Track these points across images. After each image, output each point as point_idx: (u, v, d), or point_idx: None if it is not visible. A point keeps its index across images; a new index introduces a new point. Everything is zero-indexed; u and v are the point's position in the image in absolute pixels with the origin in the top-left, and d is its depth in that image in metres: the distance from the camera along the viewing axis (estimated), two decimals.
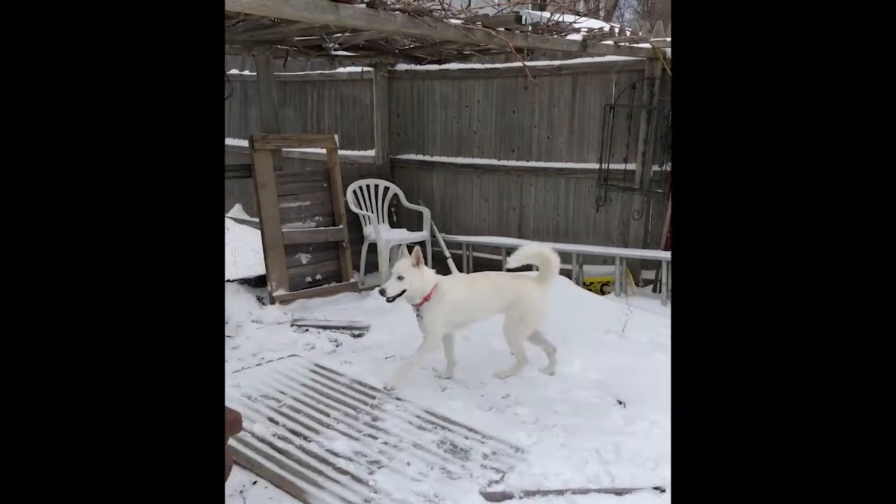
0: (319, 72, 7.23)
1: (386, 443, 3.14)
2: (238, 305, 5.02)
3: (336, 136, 5.91)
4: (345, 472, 2.88)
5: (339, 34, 3.75)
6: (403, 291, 3.69)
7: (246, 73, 7.89)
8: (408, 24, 2.69)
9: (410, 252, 3.70)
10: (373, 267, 5.99)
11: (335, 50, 4.52)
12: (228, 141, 8.27)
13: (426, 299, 3.74)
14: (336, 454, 3.04)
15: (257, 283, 5.49)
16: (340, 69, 6.91)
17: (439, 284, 3.79)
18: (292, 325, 4.80)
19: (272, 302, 5.21)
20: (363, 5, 2.48)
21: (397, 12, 2.62)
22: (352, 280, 5.76)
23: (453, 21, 2.96)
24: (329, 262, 5.76)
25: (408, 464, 2.97)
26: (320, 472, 2.88)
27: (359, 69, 6.63)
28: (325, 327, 4.77)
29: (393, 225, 6.36)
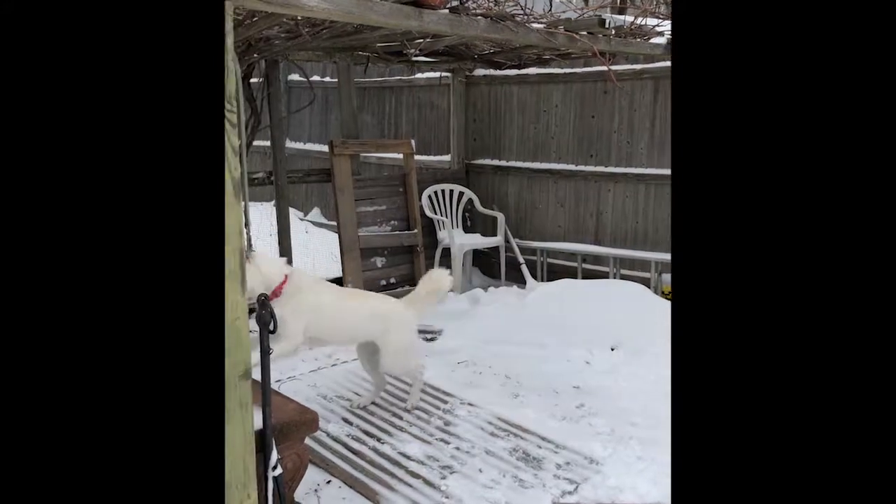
0: (398, 77, 7.31)
1: (458, 448, 3.13)
2: None
3: (413, 142, 5.96)
4: (417, 476, 2.89)
5: (420, 40, 3.79)
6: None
7: (327, 79, 8.06)
8: (490, 29, 2.68)
9: None
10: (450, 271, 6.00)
11: (415, 56, 4.55)
12: (309, 146, 8.48)
13: (275, 294, 3.05)
14: (408, 457, 3.05)
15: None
16: (419, 75, 6.97)
17: (292, 276, 3.15)
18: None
19: None
20: (446, 11, 2.49)
21: (480, 17, 2.62)
22: None
23: (535, 25, 2.94)
24: (403, 265, 5.81)
25: (480, 470, 2.95)
26: (392, 475, 2.90)
27: (437, 74, 6.67)
28: None
29: (467, 230, 6.36)
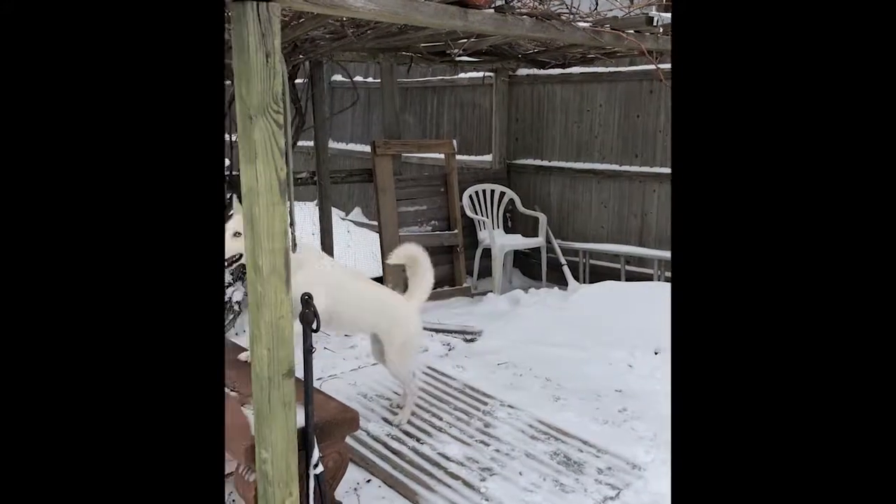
0: (440, 78, 7.31)
1: (498, 450, 3.12)
2: None
3: (454, 142, 5.96)
4: (457, 478, 2.88)
5: (465, 39, 3.77)
6: (240, 256, 2.79)
7: (369, 79, 8.11)
8: (535, 29, 2.65)
9: None
10: (486, 272, 5.98)
11: (458, 56, 4.54)
12: (351, 146, 8.54)
13: None
14: (448, 458, 3.04)
15: None
16: (461, 75, 6.96)
17: (304, 249, 2.95)
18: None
19: None
20: (492, 10, 2.47)
21: (525, 17, 2.59)
22: (465, 284, 5.78)
23: (581, 24, 2.90)
24: (443, 266, 5.80)
25: (520, 473, 2.93)
26: (432, 476, 2.90)
27: (480, 74, 6.66)
28: (437, 330, 4.81)
29: (508, 230, 6.33)
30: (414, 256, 3.36)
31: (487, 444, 3.17)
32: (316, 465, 2.35)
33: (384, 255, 5.38)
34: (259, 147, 1.95)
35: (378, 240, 5.50)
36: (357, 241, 6.54)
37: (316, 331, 2.40)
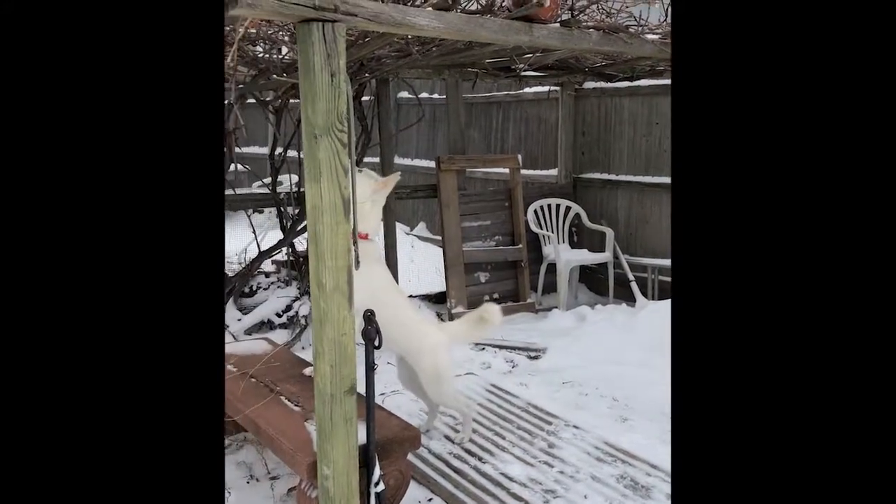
0: (505, 92, 7.30)
1: (562, 472, 3.04)
2: None
3: (519, 156, 5.92)
4: (519, 499, 2.82)
5: (530, 55, 3.75)
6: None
7: (435, 95, 8.17)
8: (602, 42, 2.60)
9: None
10: (551, 287, 5.90)
11: (524, 70, 4.52)
12: (416, 161, 8.61)
13: (362, 237, 2.84)
14: (511, 478, 2.99)
15: (438, 299, 5.61)
16: (526, 89, 6.93)
17: (373, 237, 3.03)
18: (469, 343, 4.83)
19: (451, 318, 5.29)
20: (557, 25, 2.44)
21: (591, 30, 2.55)
22: (528, 300, 5.72)
23: (650, 36, 2.84)
24: (507, 281, 5.76)
25: (585, 496, 2.85)
26: (494, 496, 2.85)
27: (545, 88, 6.61)
28: (501, 347, 4.76)
29: (574, 245, 6.23)
30: (490, 320, 3.27)
31: (551, 466, 3.10)
32: (377, 483, 2.34)
33: (447, 269, 5.38)
34: (324, 166, 1.97)
35: (441, 255, 5.49)
36: (420, 256, 6.57)
37: (378, 347, 2.40)
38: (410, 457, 3.14)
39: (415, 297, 5.65)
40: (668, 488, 2.90)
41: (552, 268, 5.78)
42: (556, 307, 5.62)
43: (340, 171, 2.00)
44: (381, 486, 2.36)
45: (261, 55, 3.39)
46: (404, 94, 8.45)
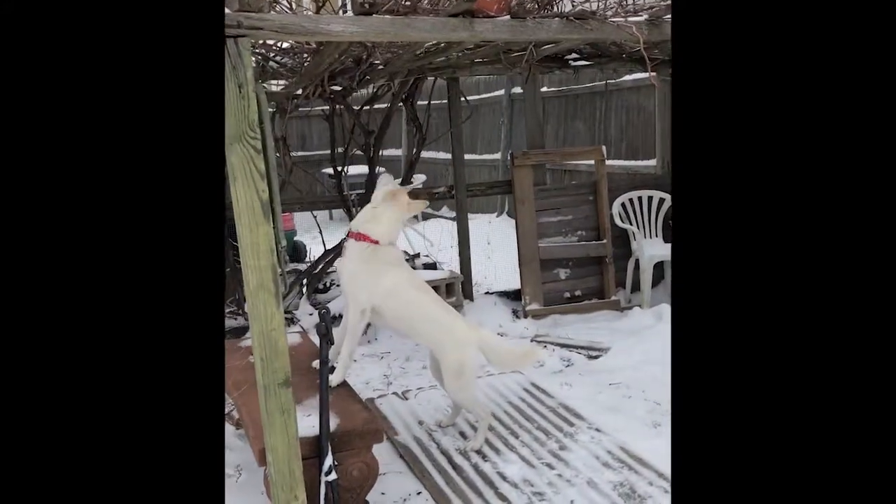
0: (606, 81, 7.05)
1: (560, 475, 2.95)
2: (491, 318, 5.15)
3: (603, 148, 5.70)
4: (504, 499, 2.79)
5: (549, 45, 3.63)
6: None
7: (517, 90, 8.08)
8: (565, 31, 2.48)
9: None
10: (640, 284, 5.62)
11: (574, 62, 4.38)
12: (496, 156, 8.58)
13: (360, 237, 3.09)
14: (504, 478, 2.95)
15: (514, 296, 5.56)
16: (626, 77, 6.64)
17: (384, 243, 3.10)
18: (532, 340, 4.77)
19: (525, 316, 5.24)
20: (507, 17, 2.37)
21: (549, 20, 2.45)
22: (613, 298, 5.49)
23: (633, 19, 2.65)
24: (591, 277, 5.57)
25: (572, 502, 2.75)
26: (480, 495, 2.83)
27: (645, 75, 6.28)
28: (562, 345, 4.64)
29: (667, 239, 5.88)
30: (526, 364, 3.67)
31: (552, 468, 3.01)
32: (328, 473, 2.44)
33: (522, 266, 5.33)
34: (238, 170, 2.09)
35: (516, 250, 5.44)
36: (497, 253, 6.51)
37: (331, 343, 2.50)
38: (416, 450, 3.22)
39: (491, 294, 5.65)
40: (666, 500, 2.72)
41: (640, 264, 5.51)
42: (639, 305, 5.37)
43: (256, 174, 2.11)
44: (333, 476, 2.45)
45: None
46: (518, 90, 8.34)
